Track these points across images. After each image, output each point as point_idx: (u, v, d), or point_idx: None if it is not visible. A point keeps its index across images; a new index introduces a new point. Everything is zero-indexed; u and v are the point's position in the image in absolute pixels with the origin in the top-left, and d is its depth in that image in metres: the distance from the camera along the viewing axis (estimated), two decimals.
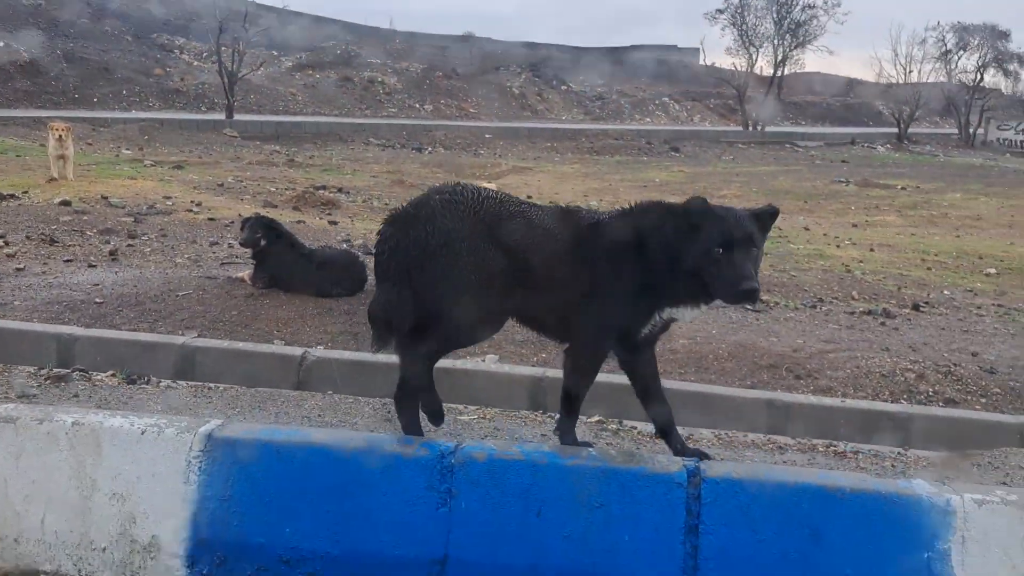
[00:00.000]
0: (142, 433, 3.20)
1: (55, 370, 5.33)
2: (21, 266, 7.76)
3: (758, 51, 39.42)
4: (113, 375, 5.41)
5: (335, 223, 11.36)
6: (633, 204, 3.62)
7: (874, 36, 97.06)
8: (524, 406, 5.44)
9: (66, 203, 10.76)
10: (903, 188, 20.79)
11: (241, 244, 7.46)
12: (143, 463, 3.18)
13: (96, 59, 30.07)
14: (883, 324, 7.71)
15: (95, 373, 5.42)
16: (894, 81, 44.12)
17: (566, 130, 32.14)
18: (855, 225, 14.69)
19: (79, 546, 3.16)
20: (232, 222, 10.07)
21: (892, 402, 5.76)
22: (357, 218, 12.21)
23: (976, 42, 41.77)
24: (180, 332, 6.29)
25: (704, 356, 6.30)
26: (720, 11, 40.75)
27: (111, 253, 8.52)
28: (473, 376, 5.59)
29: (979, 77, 41.13)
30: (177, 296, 6.97)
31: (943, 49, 41.82)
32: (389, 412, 4.85)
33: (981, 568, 2.90)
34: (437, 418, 3.84)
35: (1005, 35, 42.17)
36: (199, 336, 6.21)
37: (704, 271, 3.27)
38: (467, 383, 5.59)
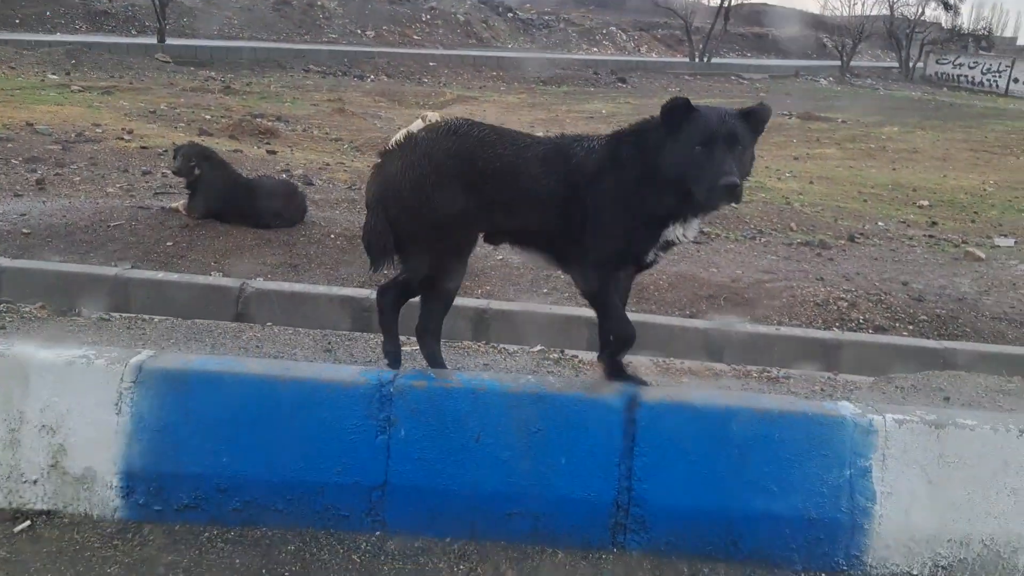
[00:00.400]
0: (70, 364, 3.12)
1: None
2: None
3: None
4: (42, 307, 5.24)
5: (274, 152, 11.07)
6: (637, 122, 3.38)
7: None
8: (468, 337, 5.46)
9: None
10: (843, 121, 21.08)
11: (174, 173, 7.23)
12: (73, 395, 3.11)
13: None
14: (819, 255, 7.90)
15: (23, 305, 5.24)
16: (838, 13, 44.31)
17: (512, 59, 31.59)
18: (796, 158, 14.88)
19: (9, 478, 3.10)
20: (165, 151, 9.74)
21: (825, 330, 5.94)
22: (297, 147, 11.92)
23: None
24: (113, 263, 6.12)
25: (646, 287, 6.37)
26: None
27: (38, 182, 8.18)
28: (414, 306, 5.56)
29: (920, 11, 41.55)
30: (109, 227, 6.75)
31: None
32: (329, 343, 4.82)
33: (900, 483, 3.04)
34: (394, 360, 3.67)
35: None
36: (132, 268, 6.05)
37: (687, 173, 3.08)
38: (409, 313, 5.57)
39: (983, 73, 37.94)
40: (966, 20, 49.28)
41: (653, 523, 3.09)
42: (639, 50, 42.14)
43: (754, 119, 3.19)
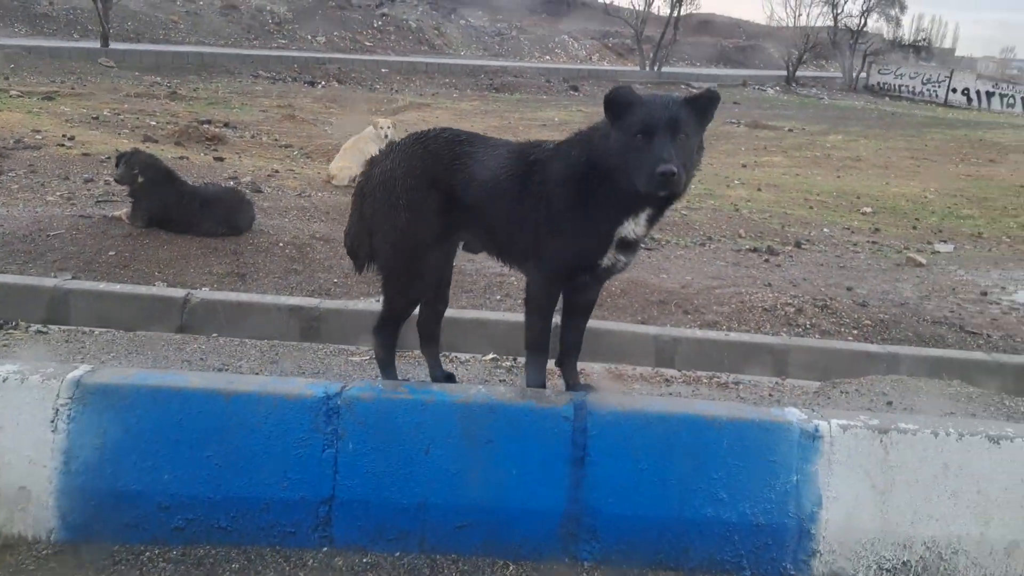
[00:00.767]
0: (3, 381, 3.01)
1: None
2: None
3: None
4: None
5: (221, 159, 10.88)
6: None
7: None
8: (419, 346, 5.40)
9: None
10: (790, 130, 21.50)
11: (117, 181, 7.06)
12: (6, 412, 2.99)
13: None
14: (767, 261, 8.03)
15: None
16: (784, 24, 45.29)
17: (465, 66, 31.59)
18: (744, 165, 15.13)
19: None
20: (108, 157, 9.49)
21: (773, 335, 6.03)
22: (245, 154, 11.74)
23: None
24: (52, 274, 5.94)
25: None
26: None
27: None
28: (364, 316, 5.51)
29: (863, 22, 42.64)
30: (48, 236, 6.55)
31: None
32: (277, 354, 4.74)
33: (845, 488, 3.08)
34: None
35: None
36: (73, 278, 5.88)
37: (627, 162, 2.98)
38: (359, 323, 5.51)
39: (923, 83, 39.08)
40: (907, 32, 50.67)
41: (604, 533, 3.09)
42: (591, 59, 42.50)
43: (700, 105, 3.08)
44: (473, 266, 6.46)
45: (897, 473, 3.08)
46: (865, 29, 42.72)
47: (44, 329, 5.05)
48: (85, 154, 10.08)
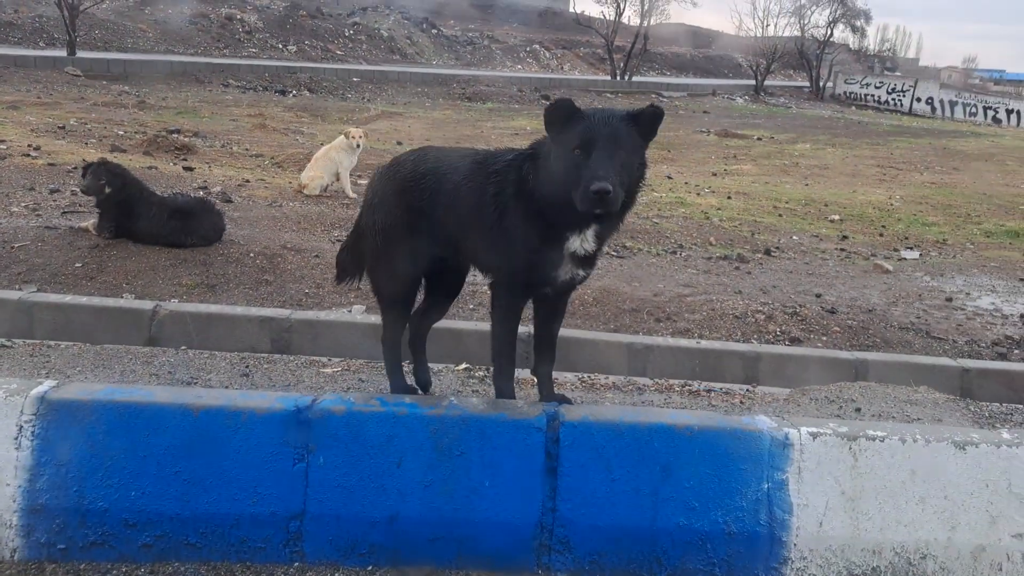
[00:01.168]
0: None
1: None
2: None
3: (626, 1, 39.80)
4: None
5: (191, 169, 10.77)
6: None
7: None
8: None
9: None
10: (759, 139, 21.76)
11: (83, 191, 6.96)
12: None
13: None
14: (737, 268, 8.09)
15: None
16: (752, 34, 45.88)
17: (437, 75, 31.61)
18: (715, 174, 15.27)
19: None
20: (75, 168, 9.36)
21: (743, 342, 6.08)
22: (215, 164, 11.63)
23: None
24: (17, 286, 5.84)
25: (570, 302, 6.40)
26: None
27: None
28: (336, 327, 5.48)
29: (829, 32, 43.31)
30: (13, 248, 6.45)
31: (797, 3, 43.61)
32: (247, 367, 4.69)
33: (815, 495, 3.11)
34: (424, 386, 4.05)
35: None
36: (38, 291, 5.78)
37: (565, 178, 2.93)
38: (331, 334, 5.48)
39: (888, 93, 39.78)
40: (872, 42, 51.66)
41: (577, 543, 3.09)
42: (562, 68, 42.76)
43: (643, 122, 3.03)
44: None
45: (866, 480, 3.12)
46: (831, 39, 43.42)
47: (8, 343, 4.95)
48: (51, 164, 9.93)
